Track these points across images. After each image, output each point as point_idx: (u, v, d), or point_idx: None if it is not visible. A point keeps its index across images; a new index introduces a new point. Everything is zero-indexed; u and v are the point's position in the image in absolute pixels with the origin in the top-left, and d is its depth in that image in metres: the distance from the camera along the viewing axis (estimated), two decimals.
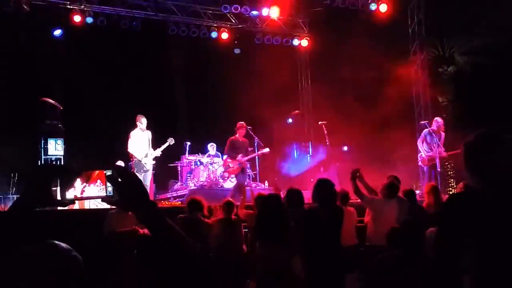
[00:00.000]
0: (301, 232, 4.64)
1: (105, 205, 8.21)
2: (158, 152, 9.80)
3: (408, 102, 13.77)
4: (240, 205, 6.93)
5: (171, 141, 9.94)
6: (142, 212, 1.42)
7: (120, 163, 9.92)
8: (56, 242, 1.60)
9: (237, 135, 10.33)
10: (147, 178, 9.53)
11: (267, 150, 10.76)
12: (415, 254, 3.74)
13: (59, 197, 1.48)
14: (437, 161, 10.25)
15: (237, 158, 10.25)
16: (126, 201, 1.44)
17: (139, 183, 1.44)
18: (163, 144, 9.92)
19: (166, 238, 1.43)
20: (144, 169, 9.52)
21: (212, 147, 12.06)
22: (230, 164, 10.36)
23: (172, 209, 8.72)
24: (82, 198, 1.51)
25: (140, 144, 9.61)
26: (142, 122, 9.62)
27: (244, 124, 10.47)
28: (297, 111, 14.52)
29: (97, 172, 1.55)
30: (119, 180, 1.43)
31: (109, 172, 1.47)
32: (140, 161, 9.52)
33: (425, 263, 3.45)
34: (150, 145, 9.78)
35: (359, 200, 6.72)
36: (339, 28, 13.49)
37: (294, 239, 4.45)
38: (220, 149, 12.11)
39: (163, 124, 11.34)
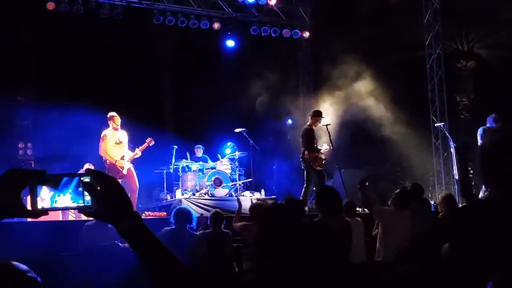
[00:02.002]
0: (303, 248, 4.62)
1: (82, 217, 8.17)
2: (138, 152, 9.72)
3: (422, 101, 13.81)
4: (236, 216, 6.87)
5: (150, 141, 9.86)
6: (124, 224, 1.42)
7: (89, 165, 9.89)
8: (12, 262, 1.57)
9: (311, 123, 9.99)
10: (125, 185, 9.31)
11: (327, 147, 10.25)
12: (430, 272, 3.75)
13: (29, 207, 1.46)
14: None
15: (320, 152, 9.78)
16: (106, 212, 1.43)
17: (122, 191, 1.44)
18: (141, 145, 9.85)
19: (150, 255, 1.43)
20: (120, 174, 9.40)
21: (198, 150, 11.97)
22: (320, 156, 9.77)
23: (157, 220, 8.70)
24: (55, 209, 1.49)
25: (115, 145, 9.55)
26: (116, 121, 9.57)
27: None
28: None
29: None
30: (98, 187, 1.43)
31: (87, 179, 1.46)
32: (115, 164, 9.43)
33: (441, 281, 3.46)
34: (126, 147, 9.74)
35: (366, 211, 6.73)
36: (344, 18, 13.52)
37: (297, 256, 4.43)
38: (208, 153, 12.09)
39: (146, 124, 11.30)
